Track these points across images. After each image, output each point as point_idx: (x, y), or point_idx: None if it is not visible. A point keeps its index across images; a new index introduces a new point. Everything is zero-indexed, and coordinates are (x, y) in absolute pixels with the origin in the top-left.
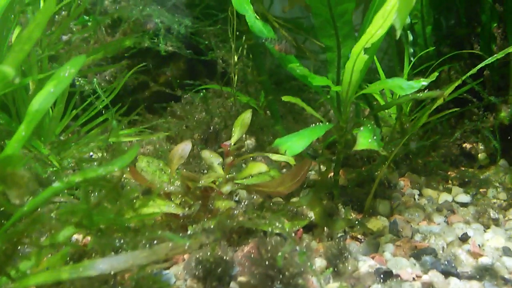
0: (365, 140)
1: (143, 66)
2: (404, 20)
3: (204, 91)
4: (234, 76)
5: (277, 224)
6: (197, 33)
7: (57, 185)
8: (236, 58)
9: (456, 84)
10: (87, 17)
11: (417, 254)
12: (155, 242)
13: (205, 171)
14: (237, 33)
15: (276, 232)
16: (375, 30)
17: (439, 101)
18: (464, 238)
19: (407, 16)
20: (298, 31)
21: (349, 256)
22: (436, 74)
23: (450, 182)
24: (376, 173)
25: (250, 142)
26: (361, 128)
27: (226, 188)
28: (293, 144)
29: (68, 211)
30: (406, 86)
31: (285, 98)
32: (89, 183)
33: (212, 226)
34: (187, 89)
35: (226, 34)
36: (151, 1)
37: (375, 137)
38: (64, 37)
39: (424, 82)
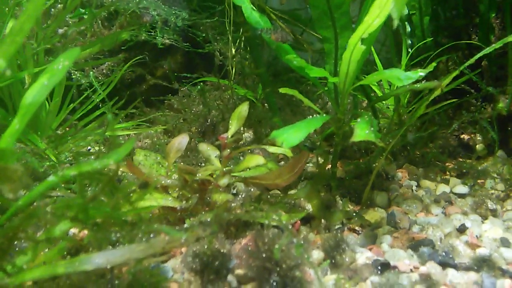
0: (362, 132)
1: (140, 59)
2: (401, 9)
3: (201, 84)
4: (232, 69)
5: (274, 217)
6: (194, 25)
7: (52, 179)
8: (233, 50)
9: (454, 74)
10: (83, 10)
11: (414, 245)
12: (152, 235)
13: (203, 164)
14: (233, 28)
15: (274, 225)
16: (372, 20)
17: (437, 92)
18: (461, 229)
19: (405, 5)
20: (296, 23)
21: (347, 248)
22: (434, 64)
23: (448, 173)
24: (374, 165)
25: (248, 134)
26: (359, 120)
27: (224, 181)
28: (289, 136)
29: (64, 206)
30: (404, 77)
31: (282, 90)
32: (85, 177)
33: (209, 220)
34: (185, 82)
35: (224, 26)
36: None
37: (372, 128)
38: (60, 30)
39: (421, 72)
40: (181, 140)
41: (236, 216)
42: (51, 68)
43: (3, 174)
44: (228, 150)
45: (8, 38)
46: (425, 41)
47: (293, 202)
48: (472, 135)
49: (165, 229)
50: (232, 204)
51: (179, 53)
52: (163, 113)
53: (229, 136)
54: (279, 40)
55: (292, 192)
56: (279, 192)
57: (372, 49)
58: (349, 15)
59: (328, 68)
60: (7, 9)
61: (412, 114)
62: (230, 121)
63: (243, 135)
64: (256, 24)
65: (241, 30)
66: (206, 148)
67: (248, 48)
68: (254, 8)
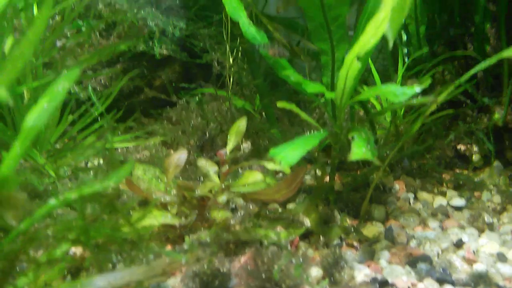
0: (359, 150)
1: (139, 70)
2: (396, 30)
3: (199, 95)
4: (229, 79)
5: (273, 236)
6: (192, 35)
7: (53, 202)
8: (231, 60)
9: (451, 89)
10: (81, 22)
11: (412, 261)
12: (152, 255)
13: (201, 178)
14: (231, 37)
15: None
16: (368, 39)
17: (433, 107)
18: (458, 244)
19: (400, 26)
20: (293, 32)
21: (345, 264)
22: (429, 80)
23: (444, 185)
24: (372, 177)
25: (246, 145)
26: (355, 137)
27: (223, 198)
28: (288, 154)
29: (65, 228)
30: (400, 93)
31: (279, 104)
32: (86, 199)
33: (208, 240)
34: (183, 93)
35: (221, 35)
36: (145, 3)
37: (369, 146)
38: (59, 43)
39: (417, 88)
40: (180, 156)
41: (235, 235)
42: (51, 91)
43: (6, 202)
44: (227, 166)
45: (9, 63)
46: (421, 51)
47: (291, 217)
48: (468, 146)
49: (166, 252)
50: (231, 221)
51: (177, 62)
52: (162, 125)
53: (228, 152)
54: (276, 55)
55: (291, 205)
56: (277, 206)
57: (369, 59)
58: (345, 28)
59: (325, 80)
60: (6, 23)
61: (409, 126)
62: (228, 136)
63: (241, 145)
64: (253, 40)
65: (239, 41)
66: (204, 164)
67: (246, 59)
68: (251, 22)
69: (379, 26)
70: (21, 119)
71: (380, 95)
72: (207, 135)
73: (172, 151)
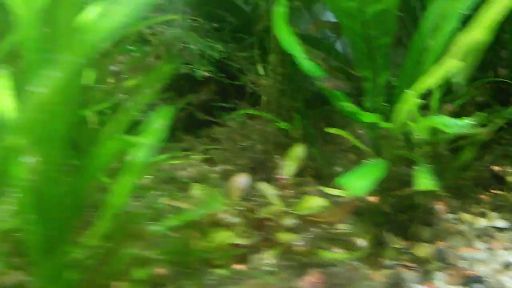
0: (424, 181)
1: (177, 88)
2: (467, 75)
3: (241, 116)
4: (270, 101)
5: (340, 258)
6: (228, 57)
7: (158, 228)
8: (268, 81)
9: (499, 125)
10: (131, 47)
11: (466, 282)
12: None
13: (256, 198)
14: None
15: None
16: (432, 80)
17: (482, 136)
18: (507, 265)
19: (470, 70)
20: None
21: (404, 285)
22: (482, 116)
23: (483, 206)
24: (418, 198)
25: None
26: (418, 168)
27: (287, 221)
28: (357, 184)
29: (163, 251)
30: (452, 124)
31: (328, 130)
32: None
33: (275, 261)
34: (222, 112)
35: (256, 57)
36: (183, 26)
37: (431, 176)
38: (113, 68)
39: (469, 121)
40: (242, 180)
41: (305, 257)
42: (151, 129)
43: (138, 235)
44: (288, 190)
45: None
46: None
47: (347, 238)
48: (503, 167)
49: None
50: (296, 243)
51: (212, 82)
52: (206, 145)
53: (288, 177)
54: (333, 87)
55: (343, 226)
56: (331, 227)
57: None
58: (389, 56)
59: (367, 106)
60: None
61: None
62: (286, 162)
63: None
64: (308, 73)
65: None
66: (265, 187)
67: (287, 82)
68: (306, 57)
69: (445, 70)
70: (86, 143)
71: (432, 126)
72: (258, 158)
73: (216, 169)
